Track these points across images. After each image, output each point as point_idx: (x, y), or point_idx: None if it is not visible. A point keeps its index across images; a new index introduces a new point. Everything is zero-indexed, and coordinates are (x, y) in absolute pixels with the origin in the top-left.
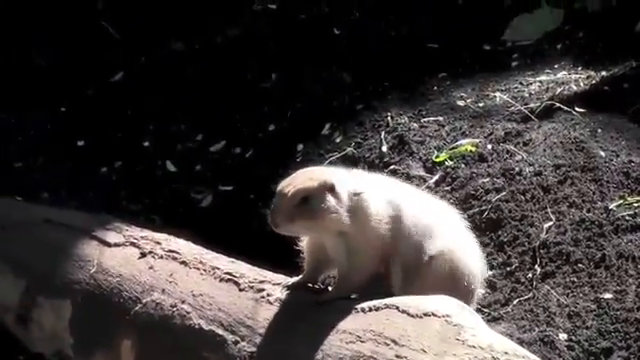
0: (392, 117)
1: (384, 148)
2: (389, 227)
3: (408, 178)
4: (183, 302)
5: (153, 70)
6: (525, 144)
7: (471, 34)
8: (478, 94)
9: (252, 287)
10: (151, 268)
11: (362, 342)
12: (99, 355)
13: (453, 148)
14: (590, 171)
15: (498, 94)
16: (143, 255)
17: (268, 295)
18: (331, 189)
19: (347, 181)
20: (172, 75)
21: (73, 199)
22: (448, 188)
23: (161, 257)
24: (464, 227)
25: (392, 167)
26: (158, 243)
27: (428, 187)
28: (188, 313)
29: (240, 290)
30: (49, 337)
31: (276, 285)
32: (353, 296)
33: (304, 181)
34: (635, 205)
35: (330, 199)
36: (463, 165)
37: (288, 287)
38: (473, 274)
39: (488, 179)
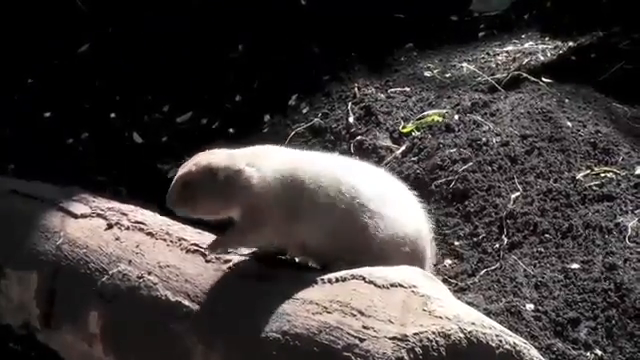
0: (359, 88)
1: (351, 119)
2: (286, 206)
3: (375, 149)
4: (150, 273)
5: (120, 41)
6: (492, 114)
7: (438, 4)
8: (445, 65)
9: (218, 258)
10: (117, 239)
11: (329, 313)
12: (66, 327)
13: (420, 119)
14: (557, 141)
15: (465, 64)
16: (110, 226)
17: (234, 267)
18: (213, 174)
19: (239, 163)
20: (139, 46)
21: (40, 171)
22: (415, 159)
23: (127, 228)
24: (393, 196)
25: (359, 138)
26: (124, 214)
27: (395, 157)
28: (155, 284)
29: (207, 262)
30: (16, 309)
31: (242, 256)
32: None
33: (189, 167)
34: (602, 175)
35: (210, 185)
36: (430, 136)
37: (255, 257)
38: (411, 242)
39: (455, 149)
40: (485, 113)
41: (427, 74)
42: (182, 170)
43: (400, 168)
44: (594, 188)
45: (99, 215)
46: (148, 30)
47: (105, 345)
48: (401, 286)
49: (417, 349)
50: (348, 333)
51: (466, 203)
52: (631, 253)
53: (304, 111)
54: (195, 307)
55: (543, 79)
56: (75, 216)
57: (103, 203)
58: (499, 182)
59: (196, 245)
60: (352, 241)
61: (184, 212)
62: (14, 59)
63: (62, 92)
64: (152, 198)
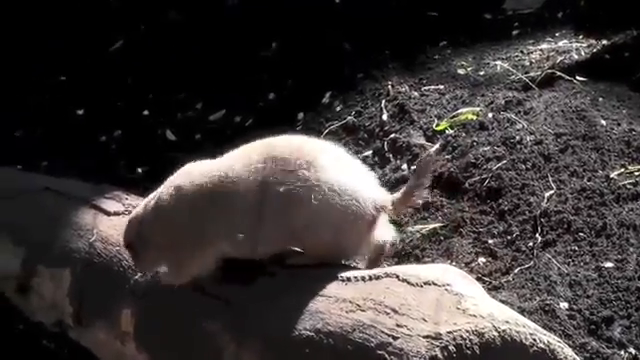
0: (392, 86)
1: (384, 117)
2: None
3: (408, 147)
4: None
5: (153, 39)
6: (526, 113)
7: (472, 2)
8: (479, 63)
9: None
10: None
11: (362, 311)
12: (99, 325)
13: (454, 117)
14: (591, 140)
15: (499, 63)
16: None
17: (269, 266)
18: None
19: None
20: (172, 44)
21: (73, 168)
22: (449, 157)
23: None
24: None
25: (392, 136)
26: None
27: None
28: None
29: (238, 259)
30: (49, 306)
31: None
32: None
33: None
34: (636, 174)
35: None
36: (464, 134)
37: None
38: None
39: (489, 147)
40: (519, 111)
41: (461, 72)
42: None
43: (434, 166)
44: (628, 187)
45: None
46: (181, 28)
47: (138, 343)
48: (435, 284)
49: (451, 347)
50: (382, 331)
51: (500, 201)
52: None
53: (337, 109)
54: (227, 306)
55: (577, 77)
56: (108, 213)
57: (136, 200)
58: (533, 180)
59: None
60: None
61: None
62: (47, 57)
63: (95, 90)
64: None
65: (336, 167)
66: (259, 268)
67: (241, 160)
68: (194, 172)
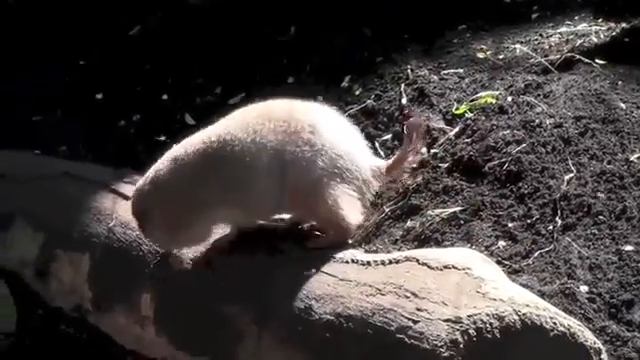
0: (412, 69)
1: (404, 100)
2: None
3: (428, 130)
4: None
5: (172, 23)
6: (545, 96)
7: None
8: (498, 46)
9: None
10: None
11: (382, 295)
12: (118, 309)
13: (473, 100)
14: (611, 123)
15: (518, 46)
16: None
17: (281, 251)
18: None
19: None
20: (191, 28)
21: (91, 152)
22: (468, 140)
23: None
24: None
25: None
26: None
27: (448, 139)
28: None
29: (255, 245)
30: (68, 291)
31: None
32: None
33: None
34: None
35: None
36: (483, 117)
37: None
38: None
39: (508, 131)
40: (538, 95)
41: (480, 56)
42: None
43: (453, 150)
44: None
45: None
46: (200, 12)
47: (158, 327)
48: (455, 268)
49: (471, 331)
50: (402, 315)
51: (520, 185)
52: None
53: (357, 93)
54: (246, 289)
55: (596, 61)
56: (127, 198)
57: None
58: (553, 164)
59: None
60: None
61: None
62: (65, 41)
63: (113, 74)
64: None
65: (336, 131)
66: (271, 245)
67: (238, 122)
68: (190, 140)
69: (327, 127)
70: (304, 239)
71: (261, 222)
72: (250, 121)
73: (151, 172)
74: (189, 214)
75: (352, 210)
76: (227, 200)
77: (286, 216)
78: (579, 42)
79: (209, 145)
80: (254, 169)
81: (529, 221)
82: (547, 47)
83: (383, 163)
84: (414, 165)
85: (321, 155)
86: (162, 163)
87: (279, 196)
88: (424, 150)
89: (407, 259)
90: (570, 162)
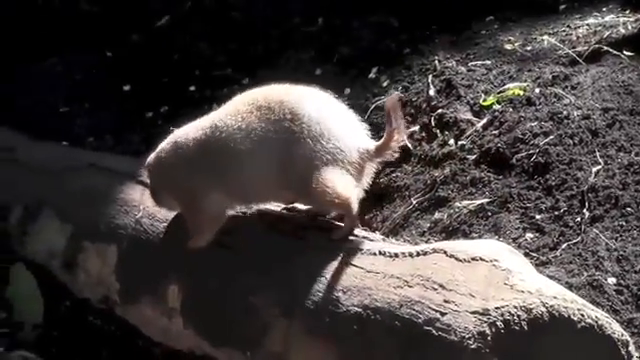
0: (440, 61)
1: (431, 92)
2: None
3: (455, 122)
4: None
5: (199, 15)
6: (573, 88)
7: None
8: (526, 37)
9: (292, 232)
10: None
11: (410, 287)
12: (145, 301)
13: (501, 92)
14: (638, 114)
15: (546, 37)
16: None
17: (308, 242)
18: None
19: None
20: (218, 19)
21: (119, 144)
22: (496, 132)
23: None
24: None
25: (439, 111)
26: None
27: (476, 131)
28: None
29: (282, 235)
30: (95, 283)
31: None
32: None
33: None
34: None
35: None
36: (511, 109)
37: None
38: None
39: (536, 123)
40: (566, 86)
41: (508, 47)
42: None
43: (481, 141)
44: None
45: None
46: (227, 3)
47: (185, 319)
48: (482, 260)
49: (499, 323)
50: (429, 307)
51: (547, 177)
52: None
53: (384, 84)
54: (274, 280)
55: (624, 52)
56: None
57: None
58: (580, 155)
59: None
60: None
61: (168, 207)
62: (93, 32)
63: (141, 65)
64: None
65: (319, 115)
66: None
67: (230, 111)
68: (193, 125)
69: (308, 112)
70: (328, 231)
71: (283, 213)
72: (240, 108)
73: (158, 151)
74: (189, 198)
75: (343, 188)
76: (220, 186)
77: (303, 206)
78: (607, 33)
79: (203, 132)
80: (241, 156)
81: (557, 213)
82: (575, 39)
83: (372, 145)
84: (402, 143)
85: (301, 140)
86: (167, 144)
87: (267, 182)
88: (405, 134)
89: (435, 251)
90: (598, 154)
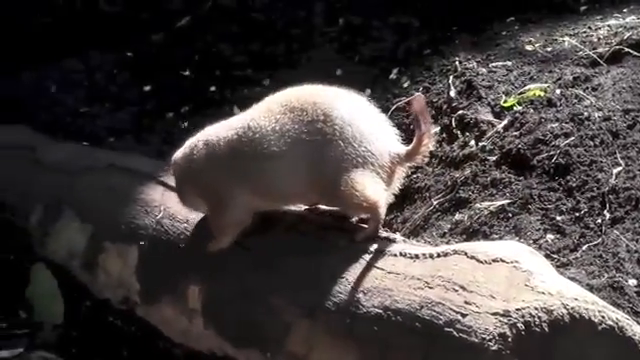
0: (460, 62)
1: (452, 93)
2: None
3: (476, 123)
4: (249, 249)
5: (219, 15)
6: (594, 89)
7: None
8: (546, 39)
9: (313, 233)
10: None
11: (430, 288)
12: (166, 301)
13: (521, 93)
14: None
15: (567, 39)
16: None
17: (329, 243)
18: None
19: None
20: (239, 20)
21: (139, 144)
22: (516, 133)
23: None
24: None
25: (460, 112)
26: None
27: (497, 132)
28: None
29: (302, 236)
30: (115, 283)
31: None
32: None
33: None
34: None
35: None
36: (531, 110)
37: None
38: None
39: (557, 124)
40: (587, 88)
41: (528, 48)
42: None
43: (501, 142)
44: None
45: None
46: (247, 3)
47: (205, 320)
48: (503, 261)
49: (519, 325)
50: (450, 308)
51: (568, 178)
52: None
53: (405, 85)
54: (294, 280)
55: None
56: (174, 190)
57: None
58: (601, 157)
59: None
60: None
61: (193, 207)
62: (114, 33)
63: (161, 66)
64: None
65: (352, 117)
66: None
67: (263, 112)
68: (221, 125)
69: (341, 114)
70: (351, 232)
71: (304, 213)
72: (273, 109)
73: (186, 148)
74: (216, 197)
75: (372, 191)
76: (248, 186)
77: (326, 207)
78: (628, 35)
79: (235, 132)
80: (272, 157)
81: (577, 214)
82: (596, 40)
83: (403, 149)
84: (432, 147)
85: (332, 142)
86: (197, 142)
87: (298, 184)
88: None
89: (455, 252)
90: (618, 155)
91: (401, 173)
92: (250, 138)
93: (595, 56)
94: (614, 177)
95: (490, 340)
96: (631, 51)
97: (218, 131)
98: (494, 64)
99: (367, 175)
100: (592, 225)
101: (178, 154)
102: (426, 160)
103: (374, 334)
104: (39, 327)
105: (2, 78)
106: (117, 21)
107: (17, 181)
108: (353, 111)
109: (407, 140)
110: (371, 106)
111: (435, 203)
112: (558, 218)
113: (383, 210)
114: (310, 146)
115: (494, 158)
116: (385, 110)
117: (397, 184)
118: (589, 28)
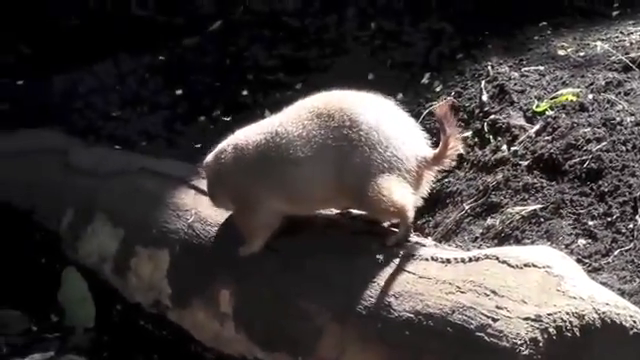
0: (492, 66)
1: (484, 97)
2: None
3: (508, 128)
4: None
5: (251, 19)
6: (626, 94)
7: None
8: (579, 43)
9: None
10: None
11: (462, 293)
12: (197, 305)
13: (554, 98)
14: None
15: (599, 43)
16: None
17: (360, 248)
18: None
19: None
20: (271, 24)
21: (171, 148)
22: (548, 138)
23: None
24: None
25: (492, 117)
26: None
27: (529, 137)
28: None
29: (336, 240)
30: (147, 287)
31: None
32: None
33: None
34: None
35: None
36: (564, 115)
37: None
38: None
39: (589, 129)
40: (619, 92)
41: (561, 53)
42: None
43: (533, 147)
44: None
45: None
46: (280, 8)
47: (236, 324)
48: (535, 266)
49: (551, 329)
50: (481, 313)
51: (600, 183)
52: None
53: (437, 89)
54: (327, 285)
55: None
56: (206, 194)
57: None
58: (633, 162)
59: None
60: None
61: (225, 208)
62: (145, 37)
63: (193, 70)
64: None
65: (377, 122)
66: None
67: (291, 117)
68: (251, 129)
69: (367, 120)
70: (382, 237)
71: (336, 217)
72: (301, 114)
73: (217, 151)
74: (245, 201)
75: (399, 196)
76: (276, 191)
77: (356, 212)
78: None
79: (264, 136)
80: (299, 163)
81: (609, 219)
82: (628, 45)
83: (430, 153)
84: (461, 150)
85: (358, 148)
86: (227, 145)
87: (324, 189)
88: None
89: (487, 257)
90: None
91: (430, 177)
92: (277, 143)
93: (627, 61)
94: None
95: (521, 345)
96: None
97: (247, 135)
98: (526, 69)
99: (393, 180)
100: (624, 230)
101: (209, 157)
102: (454, 164)
103: (405, 339)
104: (70, 331)
105: (34, 82)
106: (149, 25)
107: (49, 185)
108: (379, 116)
109: (438, 144)
110: (399, 110)
111: (467, 208)
112: (590, 223)
113: (411, 214)
114: (336, 152)
115: (526, 163)
116: (417, 115)
117: (426, 188)
118: (621, 33)
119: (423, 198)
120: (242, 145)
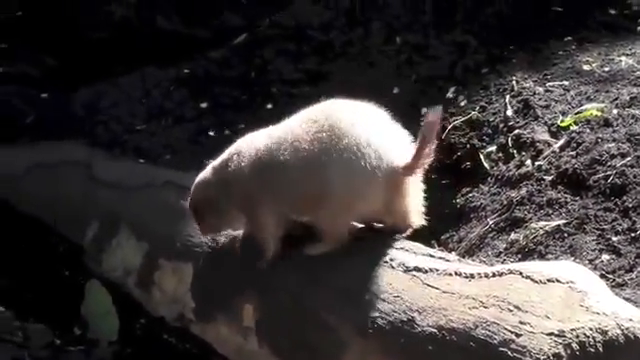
0: (517, 81)
1: (509, 112)
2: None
3: (532, 143)
4: None
5: (277, 33)
6: None
7: None
8: (604, 58)
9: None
10: None
11: (485, 308)
12: (220, 319)
13: (578, 113)
14: None
15: (624, 58)
16: None
17: (391, 260)
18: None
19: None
20: (296, 37)
21: (196, 161)
22: (573, 153)
23: None
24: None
25: (517, 131)
26: None
27: (553, 152)
28: None
29: (356, 253)
30: (170, 301)
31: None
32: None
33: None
34: None
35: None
36: (588, 130)
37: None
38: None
39: (613, 144)
40: None
41: (586, 68)
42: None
43: (558, 162)
44: None
45: None
46: (304, 21)
47: (259, 338)
48: (558, 281)
49: (574, 345)
50: (505, 328)
51: (624, 198)
52: None
53: (462, 104)
54: (350, 299)
55: None
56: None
57: None
58: None
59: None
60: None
61: (213, 235)
62: (170, 50)
63: (218, 83)
64: None
65: (355, 129)
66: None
67: (285, 125)
68: (253, 136)
69: (343, 126)
70: (407, 251)
71: (359, 230)
72: (301, 123)
73: (217, 164)
74: (252, 208)
75: (365, 207)
76: (274, 197)
77: (379, 225)
78: None
79: (263, 142)
80: (288, 170)
81: (633, 235)
82: None
83: (402, 163)
84: (430, 161)
85: (332, 155)
86: (227, 157)
87: (304, 195)
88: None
89: (510, 272)
90: None
91: (417, 181)
92: (274, 151)
93: None
94: None
95: None
96: None
97: (250, 144)
98: (551, 83)
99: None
100: None
101: (207, 173)
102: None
103: (429, 353)
104: (94, 344)
105: (60, 94)
106: (174, 38)
107: (73, 197)
108: (355, 123)
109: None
110: (387, 120)
111: (491, 222)
112: (614, 238)
113: (338, 239)
114: (310, 162)
115: (550, 178)
116: (442, 129)
117: (418, 194)
118: None
119: (449, 213)
120: (245, 153)
